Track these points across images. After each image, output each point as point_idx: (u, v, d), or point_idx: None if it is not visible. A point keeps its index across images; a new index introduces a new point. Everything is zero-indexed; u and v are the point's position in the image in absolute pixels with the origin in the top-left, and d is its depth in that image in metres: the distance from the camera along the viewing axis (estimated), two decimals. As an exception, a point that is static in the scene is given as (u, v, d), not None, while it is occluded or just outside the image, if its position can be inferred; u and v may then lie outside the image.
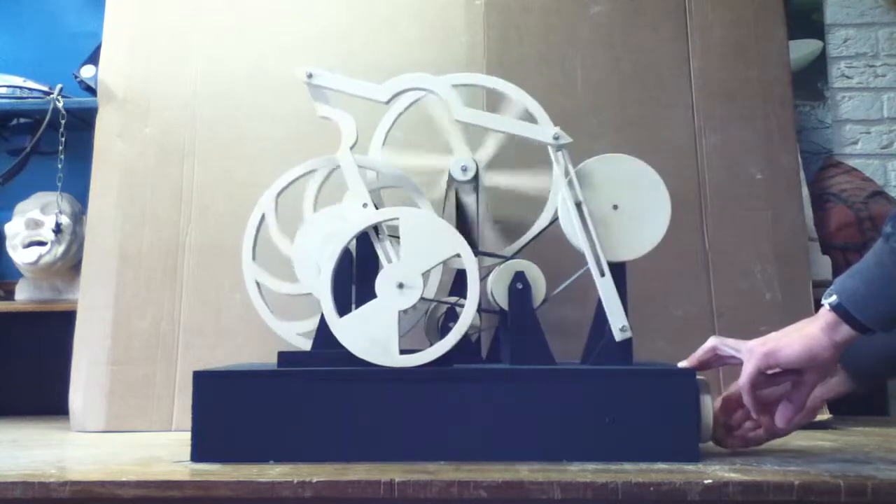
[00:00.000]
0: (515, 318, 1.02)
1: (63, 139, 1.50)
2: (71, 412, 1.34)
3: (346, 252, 0.99)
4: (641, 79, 1.44)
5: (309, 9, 1.48)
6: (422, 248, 0.97)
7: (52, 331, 1.52)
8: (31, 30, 1.73)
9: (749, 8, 1.47)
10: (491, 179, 1.24)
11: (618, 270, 0.99)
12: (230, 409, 0.93)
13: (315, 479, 0.81)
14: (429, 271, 0.98)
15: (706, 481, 0.79)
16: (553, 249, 1.09)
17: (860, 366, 1.08)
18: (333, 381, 0.94)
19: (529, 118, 1.05)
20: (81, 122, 1.55)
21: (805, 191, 1.49)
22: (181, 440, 1.06)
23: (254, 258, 1.12)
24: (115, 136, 1.44)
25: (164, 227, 1.40)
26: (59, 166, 1.51)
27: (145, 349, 1.35)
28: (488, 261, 1.16)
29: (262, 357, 1.27)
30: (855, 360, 1.05)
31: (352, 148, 1.03)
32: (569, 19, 1.47)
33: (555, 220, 1.06)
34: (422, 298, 0.97)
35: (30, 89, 1.56)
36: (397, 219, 0.98)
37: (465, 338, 0.98)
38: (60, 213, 1.50)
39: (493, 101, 1.30)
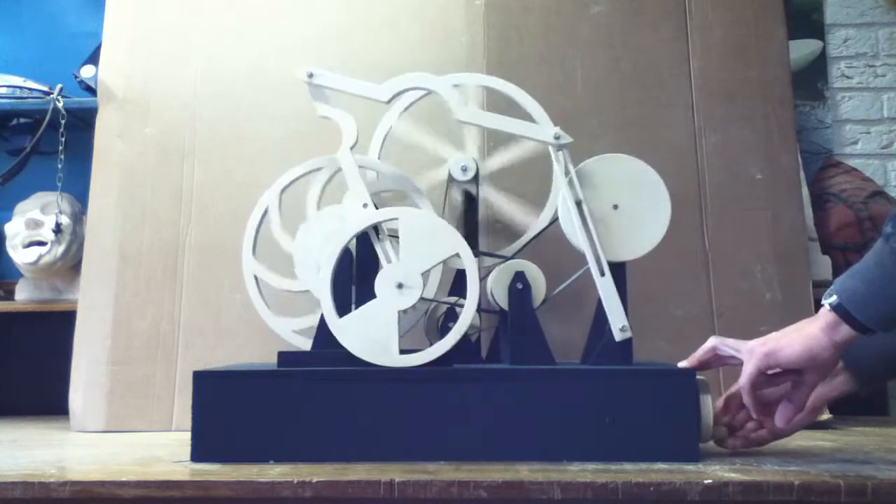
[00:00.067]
0: (515, 318, 1.02)
1: (63, 139, 1.50)
2: (71, 412, 1.34)
3: (345, 252, 0.99)
4: (641, 79, 1.44)
5: (309, 9, 1.48)
6: (421, 248, 0.97)
7: (52, 331, 1.52)
8: (31, 30, 1.73)
9: (749, 8, 1.47)
10: (485, 191, 1.24)
11: (618, 270, 0.99)
12: (230, 409, 0.93)
13: (315, 479, 0.81)
14: (428, 271, 0.98)
15: (706, 481, 0.79)
16: (553, 249, 1.09)
17: (860, 366, 1.08)
18: (333, 381, 0.94)
19: (529, 118, 1.05)
20: (81, 122, 1.55)
21: (805, 191, 1.49)
22: (181, 440, 1.06)
23: (254, 253, 1.12)
24: (115, 136, 1.44)
25: (164, 227, 1.40)
26: (59, 166, 1.51)
27: (145, 349, 1.35)
28: (488, 261, 1.16)
29: (262, 357, 1.27)
30: (855, 360, 1.04)
31: (352, 148, 1.03)
32: (569, 19, 1.47)
33: (555, 219, 1.06)
34: (421, 298, 0.97)
35: (30, 89, 1.56)
36: (397, 219, 0.98)
37: (465, 338, 0.98)
38: (60, 213, 1.50)
39: (494, 101, 1.30)
